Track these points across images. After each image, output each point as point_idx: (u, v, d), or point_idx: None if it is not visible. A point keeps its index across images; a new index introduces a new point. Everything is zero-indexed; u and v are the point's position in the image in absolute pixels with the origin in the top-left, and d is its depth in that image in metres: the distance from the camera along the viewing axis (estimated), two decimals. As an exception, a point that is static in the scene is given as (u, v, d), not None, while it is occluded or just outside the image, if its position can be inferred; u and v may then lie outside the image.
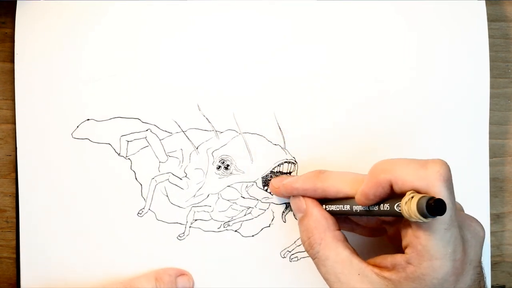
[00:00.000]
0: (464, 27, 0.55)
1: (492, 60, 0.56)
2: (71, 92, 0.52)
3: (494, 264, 0.58)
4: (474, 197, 0.56)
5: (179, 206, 0.53)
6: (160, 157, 0.53)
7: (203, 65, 0.53)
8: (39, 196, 0.53)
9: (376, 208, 0.44)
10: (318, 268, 0.48)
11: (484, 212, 0.56)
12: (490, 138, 0.56)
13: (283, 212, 0.54)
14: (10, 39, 0.53)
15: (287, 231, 0.54)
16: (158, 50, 0.52)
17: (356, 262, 0.46)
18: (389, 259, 0.45)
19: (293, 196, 0.51)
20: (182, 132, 0.53)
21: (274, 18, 0.53)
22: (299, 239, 0.54)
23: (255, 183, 0.54)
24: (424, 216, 0.39)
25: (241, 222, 0.54)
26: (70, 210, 0.53)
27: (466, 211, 0.55)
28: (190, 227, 0.54)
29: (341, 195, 0.47)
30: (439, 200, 0.39)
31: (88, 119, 0.52)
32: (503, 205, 0.58)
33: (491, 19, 0.56)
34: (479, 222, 0.46)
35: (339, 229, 0.48)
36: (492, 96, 0.56)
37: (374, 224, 0.50)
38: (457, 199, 0.54)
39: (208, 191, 0.53)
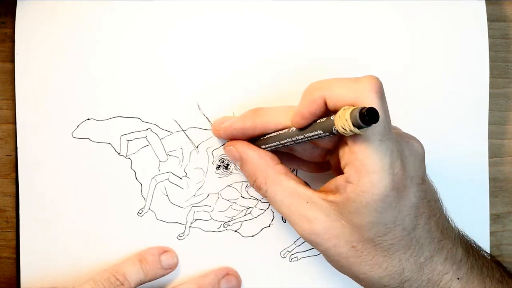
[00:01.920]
0: (464, 27, 0.55)
1: (492, 60, 0.56)
2: (71, 92, 0.52)
3: (494, 264, 0.58)
4: (474, 197, 0.56)
5: (179, 206, 0.53)
6: (160, 157, 0.53)
7: (203, 64, 0.53)
8: (39, 196, 0.53)
9: (312, 130, 0.43)
10: (272, 205, 0.48)
11: (484, 212, 0.56)
12: (489, 138, 0.56)
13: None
14: (10, 39, 0.53)
15: (287, 231, 0.54)
16: (158, 49, 0.52)
17: (303, 191, 0.46)
18: (332, 182, 0.45)
19: (225, 146, 0.51)
20: (182, 131, 0.53)
21: (275, 18, 0.53)
22: (299, 239, 0.54)
23: (255, 183, 0.54)
24: (358, 127, 0.38)
25: (241, 222, 0.54)
26: (70, 210, 0.53)
27: (466, 211, 0.55)
28: (190, 227, 0.54)
29: (280, 127, 0.46)
30: (371, 109, 0.38)
31: (88, 119, 0.52)
32: (503, 205, 0.58)
33: (491, 19, 0.56)
34: (418, 140, 0.46)
35: (280, 163, 0.48)
36: (492, 96, 0.56)
37: (318, 157, 0.49)
38: (457, 199, 0.55)
39: (208, 190, 0.53)
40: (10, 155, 0.54)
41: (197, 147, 0.53)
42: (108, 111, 0.52)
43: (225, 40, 0.53)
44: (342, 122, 0.39)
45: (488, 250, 0.56)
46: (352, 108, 0.39)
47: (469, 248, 0.49)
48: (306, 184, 0.47)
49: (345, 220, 0.44)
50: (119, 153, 0.53)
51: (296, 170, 0.54)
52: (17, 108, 0.52)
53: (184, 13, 0.53)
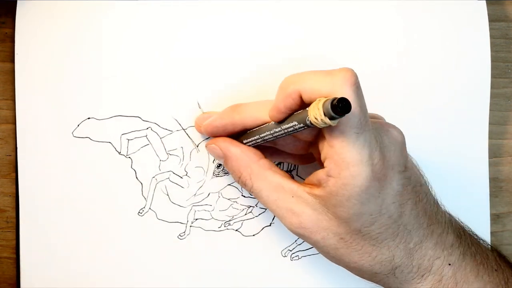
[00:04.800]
0: (465, 27, 0.55)
1: (492, 60, 0.56)
2: (71, 91, 0.52)
3: (494, 264, 0.58)
4: (474, 197, 0.56)
5: (179, 205, 0.53)
6: (160, 156, 0.53)
7: (203, 62, 0.53)
8: (39, 196, 0.52)
9: (288, 122, 0.43)
10: (260, 201, 0.48)
11: (484, 212, 0.56)
12: (489, 138, 0.56)
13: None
14: (10, 39, 0.53)
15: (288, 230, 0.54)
16: (158, 48, 0.52)
17: (288, 185, 0.46)
18: (315, 176, 0.45)
19: (207, 144, 0.50)
20: (182, 130, 0.53)
21: (275, 18, 0.53)
22: (300, 238, 0.54)
23: (255, 182, 0.53)
24: (330, 117, 0.38)
25: (241, 221, 0.54)
26: (70, 210, 0.53)
27: (466, 211, 0.55)
28: (190, 226, 0.54)
29: (259, 122, 0.46)
30: (342, 99, 0.38)
31: (88, 118, 0.52)
32: (503, 205, 0.58)
33: (491, 19, 0.56)
34: (398, 128, 0.46)
35: (263, 157, 0.48)
36: (492, 96, 0.56)
37: (301, 149, 0.49)
38: (458, 199, 0.55)
39: (209, 189, 0.53)
40: (10, 155, 0.54)
41: (197, 146, 0.53)
42: (108, 110, 0.52)
43: (225, 39, 0.53)
44: (314, 112, 0.39)
45: (488, 250, 0.56)
46: (324, 99, 0.39)
47: (461, 233, 0.49)
48: (292, 177, 0.47)
49: (331, 213, 0.44)
50: (119, 152, 0.52)
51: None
52: (17, 108, 0.52)
53: (184, 13, 0.53)
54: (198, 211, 0.54)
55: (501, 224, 0.58)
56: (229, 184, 0.54)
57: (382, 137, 0.44)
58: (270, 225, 0.54)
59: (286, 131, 0.44)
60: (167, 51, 0.52)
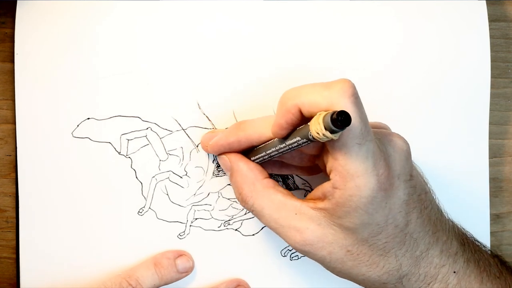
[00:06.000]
0: (465, 27, 0.55)
1: (492, 60, 0.56)
2: (71, 92, 0.52)
3: (494, 264, 0.58)
4: (474, 197, 0.56)
5: (179, 205, 0.53)
6: (160, 156, 0.53)
7: (203, 63, 0.53)
8: (39, 196, 0.52)
9: (292, 138, 0.43)
10: (260, 220, 0.47)
11: (484, 212, 0.56)
12: (490, 138, 0.56)
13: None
14: (10, 39, 0.53)
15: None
16: (157, 48, 0.52)
17: (291, 203, 0.46)
18: (319, 189, 0.45)
19: (218, 156, 0.50)
20: (182, 130, 0.53)
21: (274, 18, 0.53)
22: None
23: (255, 182, 0.53)
24: (331, 131, 0.38)
25: (241, 221, 0.54)
26: (70, 210, 0.53)
27: (466, 211, 0.55)
28: (190, 226, 0.54)
29: (264, 138, 0.46)
30: (341, 112, 0.38)
31: (88, 118, 0.52)
32: (503, 205, 0.58)
33: (491, 19, 0.56)
34: (401, 137, 0.46)
35: (268, 177, 0.48)
36: (492, 96, 0.56)
37: (307, 161, 0.49)
38: (458, 199, 0.55)
39: (209, 189, 0.53)
40: (10, 155, 0.54)
41: (197, 146, 0.53)
42: (108, 110, 0.52)
43: (224, 39, 0.53)
44: (315, 127, 0.39)
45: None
46: (323, 114, 0.39)
47: (464, 241, 0.49)
48: (294, 195, 0.47)
49: (337, 225, 0.44)
50: (119, 152, 0.52)
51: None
52: (17, 108, 0.52)
53: (183, 12, 0.53)
54: (198, 210, 0.54)
55: (501, 224, 0.58)
56: (229, 184, 0.54)
57: (386, 146, 0.44)
58: (269, 225, 0.54)
59: (290, 146, 0.44)
60: (167, 51, 0.52)
